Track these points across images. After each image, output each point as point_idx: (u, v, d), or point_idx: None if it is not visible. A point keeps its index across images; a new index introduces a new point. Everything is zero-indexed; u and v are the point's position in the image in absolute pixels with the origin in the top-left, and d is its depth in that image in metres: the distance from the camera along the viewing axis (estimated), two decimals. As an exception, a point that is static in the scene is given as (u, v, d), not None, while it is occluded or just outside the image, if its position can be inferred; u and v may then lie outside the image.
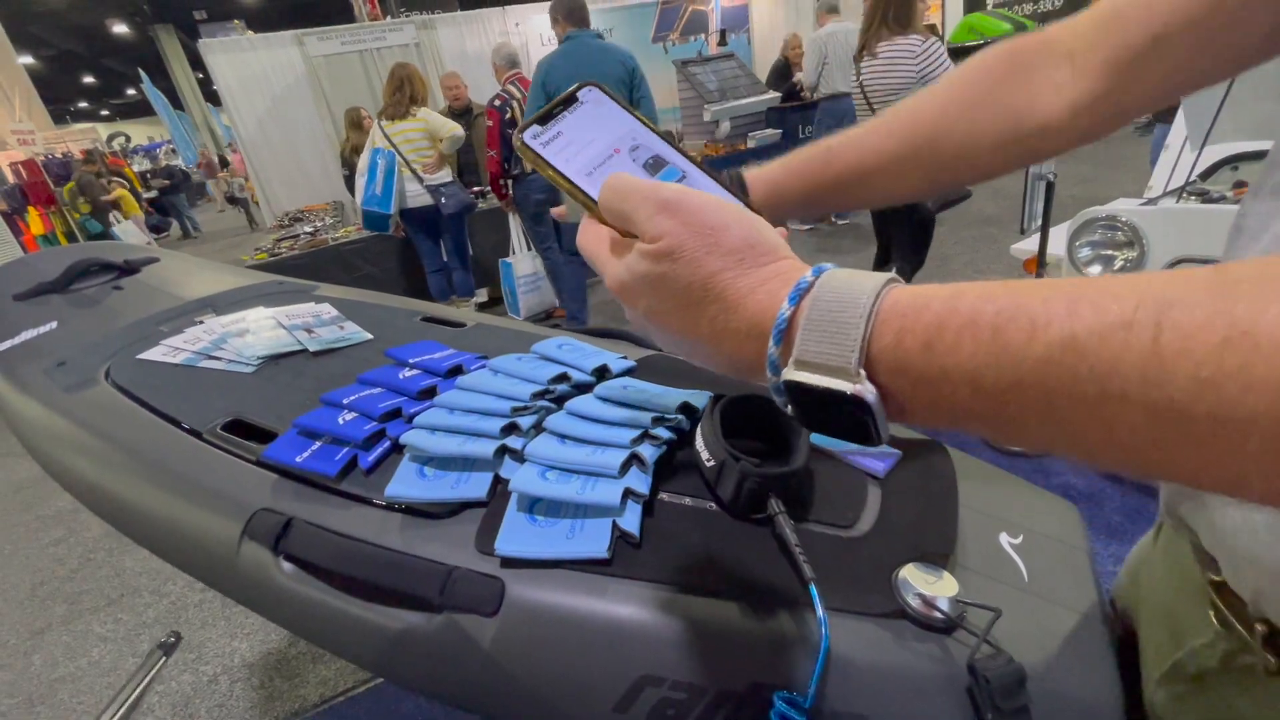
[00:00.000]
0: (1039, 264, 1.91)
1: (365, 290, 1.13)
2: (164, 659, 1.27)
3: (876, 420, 0.25)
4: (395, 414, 0.66)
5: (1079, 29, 0.45)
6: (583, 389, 0.68)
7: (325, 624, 0.55)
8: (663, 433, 0.59)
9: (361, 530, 0.55)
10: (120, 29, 17.35)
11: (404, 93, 3.45)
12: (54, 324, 0.98)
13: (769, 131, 5.40)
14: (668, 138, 0.38)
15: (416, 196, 3.60)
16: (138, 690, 1.17)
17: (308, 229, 4.71)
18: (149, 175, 11.98)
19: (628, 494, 0.53)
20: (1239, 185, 1.85)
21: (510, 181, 3.48)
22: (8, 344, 0.93)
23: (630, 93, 2.95)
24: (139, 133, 24.13)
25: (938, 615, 0.44)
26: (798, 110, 5.44)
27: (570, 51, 2.94)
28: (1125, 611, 0.50)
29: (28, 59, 17.61)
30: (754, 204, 0.35)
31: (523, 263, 3.84)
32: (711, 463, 0.53)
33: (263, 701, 1.64)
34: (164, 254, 1.26)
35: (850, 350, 0.24)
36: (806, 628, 0.45)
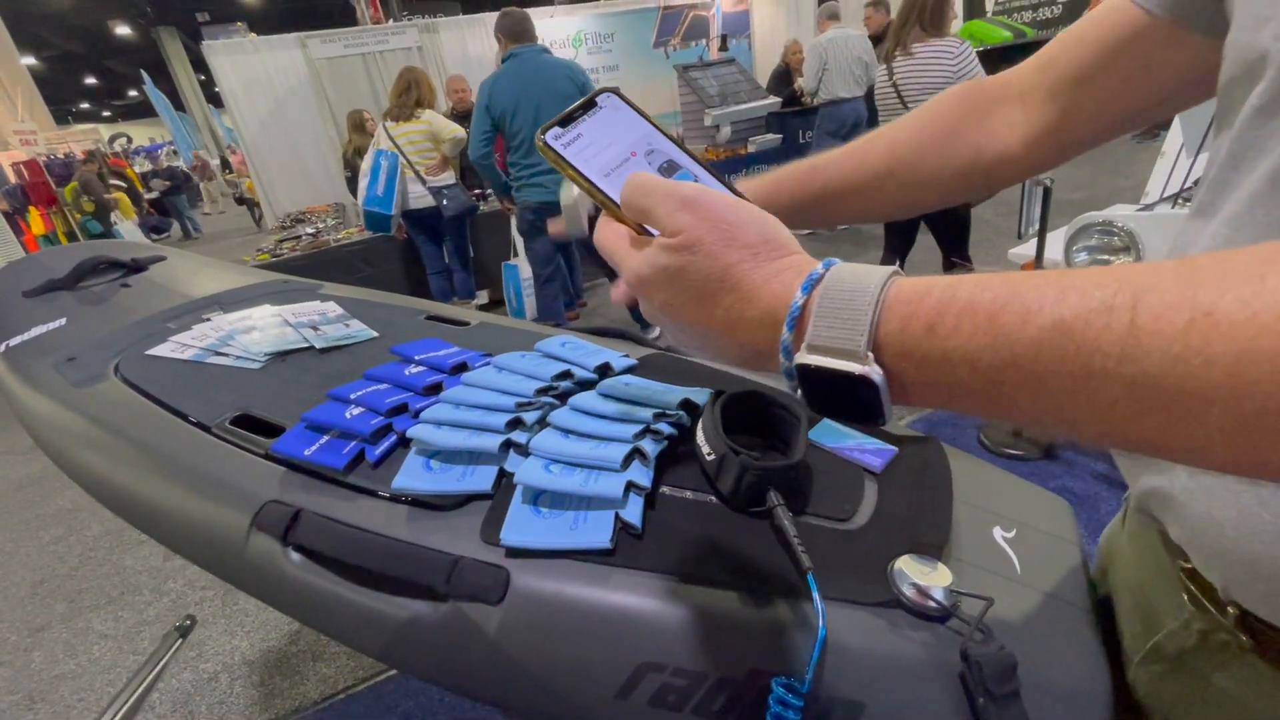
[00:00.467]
0: (1036, 268, 1.93)
1: (370, 289, 1.14)
2: (180, 640, 1.29)
3: (882, 399, 0.27)
4: (402, 409, 0.67)
5: (1025, 72, 0.51)
6: (585, 386, 0.69)
7: (333, 613, 0.56)
8: (664, 428, 0.60)
9: (369, 521, 0.56)
10: (123, 30, 17.41)
11: (410, 95, 3.48)
12: (63, 320, 0.99)
13: (769, 136, 5.43)
14: (680, 143, 0.40)
15: (419, 198, 3.62)
16: (154, 672, 1.19)
17: (309, 230, 4.72)
18: (150, 176, 12.00)
19: (630, 487, 0.54)
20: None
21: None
22: (18, 339, 0.94)
23: None
24: (140, 134, 24.17)
25: (932, 605, 0.46)
26: (798, 115, 5.47)
27: (514, 70, 2.83)
28: (1104, 596, 0.52)
29: (30, 60, 17.65)
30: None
31: (526, 265, 3.85)
32: (712, 457, 0.55)
33: (263, 699, 1.64)
34: (171, 252, 1.27)
35: (860, 334, 0.26)
36: (804, 616, 0.46)
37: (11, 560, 2.45)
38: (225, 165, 13.21)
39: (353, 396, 0.68)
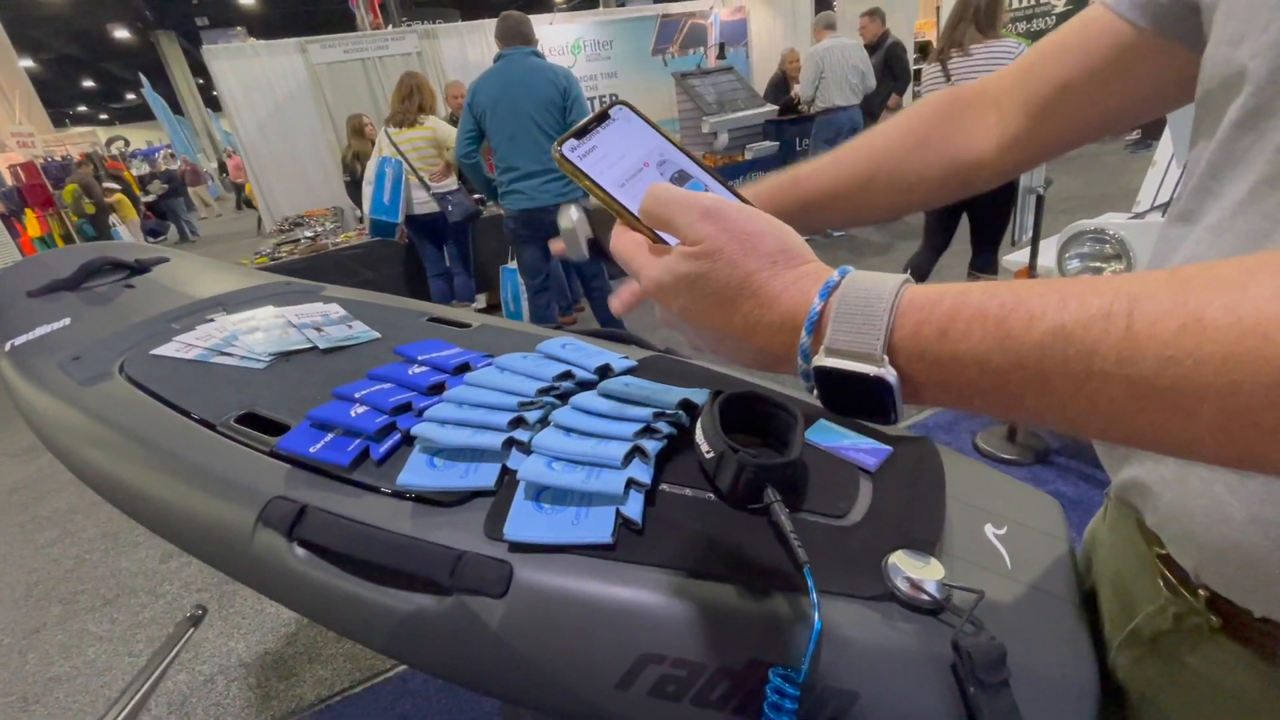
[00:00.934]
0: (1030, 275, 1.95)
1: (371, 292, 1.15)
2: (192, 630, 1.30)
3: (896, 399, 0.29)
4: (406, 408, 0.68)
5: (1003, 80, 0.53)
6: (586, 386, 0.70)
7: (337, 607, 0.57)
8: (664, 427, 0.61)
9: (373, 517, 0.57)
10: (121, 34, 17.43)
11: (413, 101, 3.50)
12: (67, 320, 1.00)
13: (766, 144, 5.47)
14: (690, 154, 0.41)
15: (423, 204, 3.65)
16: (166, 661, 1.19)
17: (308, 234, 4.73)
18: (148, 179, 11.99)
19: (630, 484, 0.55)
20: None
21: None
22: (23, 339, 0.95)
23: (564, 114, 2.82)
24: (138, 137, 24.15)
25: (924, 597, 0.47)
26: (794, 123, 5.51)
27: (499, 70, 2.82)
28: (1089, 588, 0.53)
29: (28, 62, 17.64)
30: None
31: (526, 270, 3.87)
32: (710, 454, 0.56)
33: (259, 701, 1.64)
34: (174, 254, 1.28)
35: (876, 338, 0.28)
36: (800, 609, 0.47)
37: (5, 563, 2.44)
38: (223, 169, 13.20)
39: (357, 395, 0.69)
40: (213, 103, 17.37)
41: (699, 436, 0.58)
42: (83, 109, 29.97)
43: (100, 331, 0.96)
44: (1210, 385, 0.21)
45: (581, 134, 0.39)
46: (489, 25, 6.76)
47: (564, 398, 0.67)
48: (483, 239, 4.18)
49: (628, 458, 0.57)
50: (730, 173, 5.25)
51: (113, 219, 8.04)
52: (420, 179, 3.58)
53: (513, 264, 3.89)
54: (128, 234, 7.74)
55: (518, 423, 0.63)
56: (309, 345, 0.89)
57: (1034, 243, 1.95)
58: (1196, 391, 0.21)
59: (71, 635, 1.99)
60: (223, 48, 5.97)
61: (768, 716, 0.44)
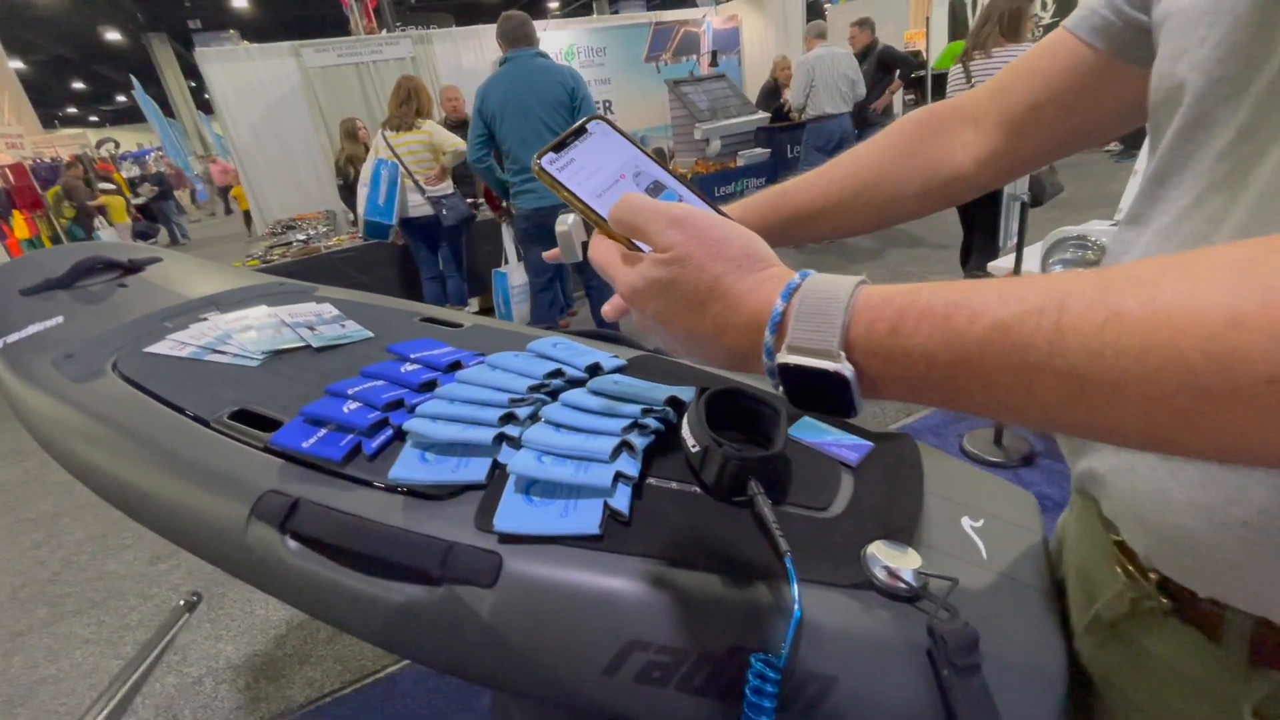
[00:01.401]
0: (1015, 281, 1.98)
1: (365, 293, 1.16)
2: (187, 615, 1.30)
3: (854, 393, 0.30)
4: (398, 404, 0.69)
5: (980, 97, 0.55)
6: (577, 384, 0.72)
7: (329, 598, 0.58)
8: (651, 423, 0.63)
9: (365, 510, 0.58)
10: (113, 36, 17.35)
11: (410, 105, 3.51)
12: (60, 318, 1.00)
13: (758, 150, 5.51)
14: (664, 165, 0.43)
15: (418, 207, 3.66)
16: (163, 644, 1.19)
17: (300, 237, 4.72)
18: (137, 181, 11.92)
19: (618, 477, 0.57)
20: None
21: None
22: (15, 337, 0.95)
23: (573, 115, 2.86)
24: (128, 139, 24.03)
25: (902, 586, 0.49)
26: (786, 130, 5.56)
27: (507, 74, 2.85)
28: (1059, 578, 0.55)
29: (18, 63, 17.52)
30: None
31: (516, 273, 3.89)
32: (696, 449, 0.57)
33: (248, 703, 1.64)
34: (167, 254, 1.29)
35: (833, 336, 0.30)
36: (782, 597, 0.49)
37: (-9, 565, 2.42)
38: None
39: (350, 392, 0.70)
40: (205, 105, 17.31)
41: (685, 432, 0.60)
42: (73, 111, 29.77)
43: (93, 329, 0.97)
44: (1130, 374, 0.22)
45: (560, 147, 0.41)
46: (484, 30, 6.79)
47: (554, 395, 0.68)
48: (476, 243, 4.19)
49: (616, 452, 0.58)
50: (722, 179, 5.29)
51: (98, 222, 7.98)
52: (415, 182, 3.60)
53: (504, 268, 3.91)
54: (113, 237, 7.68)
55: (508, 418, 0.64)
56: (302, 344, 0.90)
57: (1019, 248, 1.98)
58: (1118, 380, 0.23)
59: (58, 638, 1.97)
60: (216, 51, 5.96)
61: (749, 701, 0.45)
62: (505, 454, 0.62)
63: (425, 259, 3.90)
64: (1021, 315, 0.25)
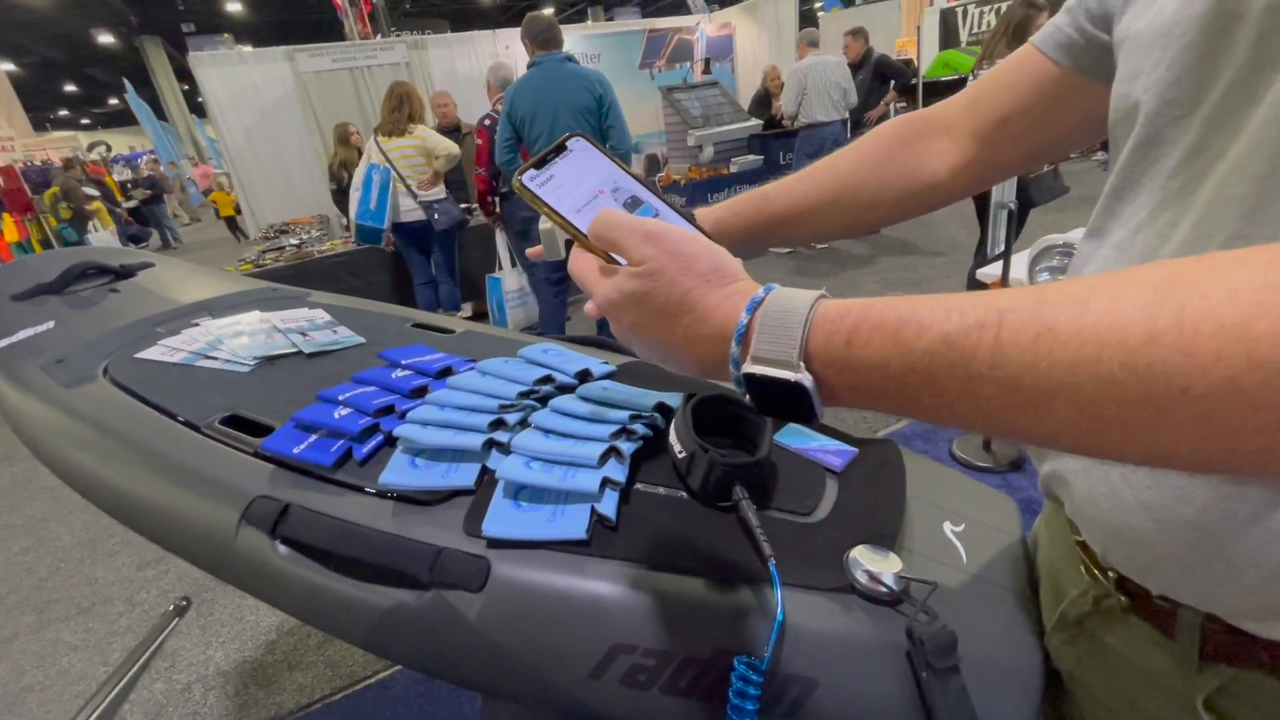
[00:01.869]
0: (1003, 286, 2.00)
1: (357, 298, 1.17)
2: (177, 620, 1.30)
3: (814, 401, 0.32)
4: (388, 410, 0.70)
5: (954, 107, 0.57)
6: (566, 390, 0.73)
7: (319, 603, 0.58)
8: (639, 428, 0.64)
9: (355, 516, 0.59)
10: (105, 39, 17.28)
11: (403, 111, 3.52)
12: (51, 324, 1.00)
13: (751, 157, 5.55)
14: (642, 180, 0.44)
15: (410, 211, 3.66)
16: (151, 649, 1.19)
17: (293, 241, 4.72)
18: (129, 185, 11.85)
19: (606, 482, 0.57)
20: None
21: (498, 199, 3.55)
22: (5, 342, 0.95)
23: (600, 120, 2.88)
24: (120, 142, 23.89)
25: (883, 589, 0.49)
26: (778, 137, 5.59)
27: (535, 78, 2.86)
28: (1036, 578, 0.57)
29: (9, 65, 17.44)
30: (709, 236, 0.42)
31: (510, 279, 3.90)
32: (683, 454, 0.58)
33: (237, 710, 1.63)
34: (159, 259, 1.29)
35: (793, 347, 0.31)
36: (765, 601, 0.50)
37: (-23, 571, 2.40)
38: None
39: (341, 398, 0.71)
40: (198, 109, 17.25)
41: (672, 437, 0.60)
42: (64, 113, 29.61)
43: (84, 335, 0.97)
44: (1061, 385, 0.24)
45: (540, 164, 0.42)
46: (478, 36, 6.82)
47: (544, 401, 0.69)
48: (469, 248, 4.20)
49: (604, 458, 0.59)
50: (715, 185, 5.32)
51: (93, 225, 7.94)
52: (408, 187, 3.60)
53: (499, 273, 3.91)
54: (106, 239, 7.64)
55: (498, 424, 0.65)
56: (294, 349, 0.90)
57: (1005, 256, 2.01)
58: (1050, 390, 0.24)
59: (45, 645, 1.96)
60: (209, 55, 5.96)
61: (732, 703, 0.46)
62: (494, 459, 0.62)
63: (418, 264, 3.90)
64: (965, 329, 0.27)
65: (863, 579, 0.50)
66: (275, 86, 6.00)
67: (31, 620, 2.08)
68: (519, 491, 0.58)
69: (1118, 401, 0.23)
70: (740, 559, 0.52)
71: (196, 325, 0.98)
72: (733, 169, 5.45)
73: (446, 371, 0.78)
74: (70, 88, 23.98)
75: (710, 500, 0.57)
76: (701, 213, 0.61)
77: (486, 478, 0.61)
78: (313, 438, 0.67)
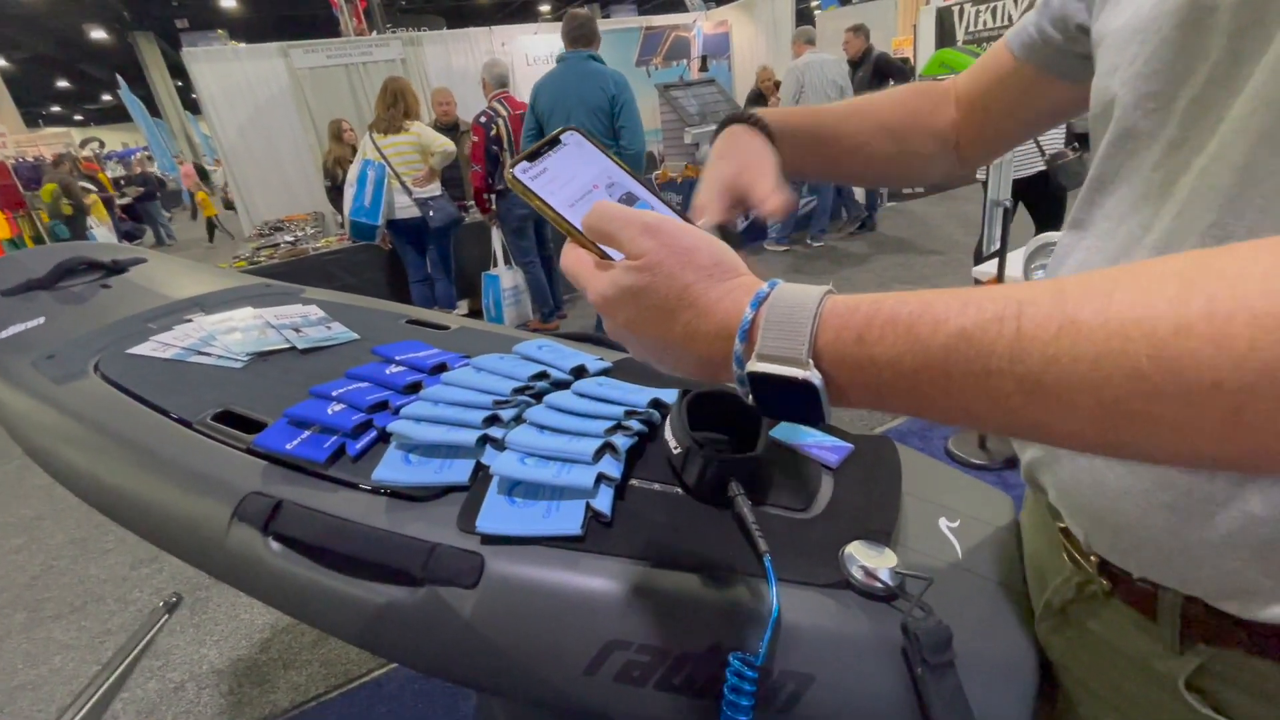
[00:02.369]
0: (999, 283, 2.01)
1: (352, 294, 1.16)
2: (166, 617, 1.29)
3: (822, 400, 0.31)
4: (382, 406, 0.70)
5: (959, 81, 0.61)
6: (561, 386, 0.72)
7: (312, 600, 0.58)
8: (634, 424, 0.63)
9: (349, 512, 0.59)
10: (98, 34, 17.17)
11: (398, 107, 3.51)
12: (42, 319, 0.99)
13: (748, 155, 5.52)
14: (637, 176, 0.44)
15: (405, 208, 3.65)
16: (141, 645, 1.18)
17: (288, 238, 4.69)
18: (123, 181, 11.78)
19: (601, 478, 0.57)
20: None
21: (494, 196, 3.54)
22: (-5, 337, 0.94)
23: (611, 120, 2.91)
24: (113, 138, 23.75)
25: (878, 585, 0.49)
26: (776, 135, 5.58)
27: (558, 74, 2.94)
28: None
29: (1, 61, 17.31)
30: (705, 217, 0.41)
31: (507, 276, 3.89)
32: (678, 450, 0.58)
33: (231, 708, 1.62)
34: (151, 255, 1.28)
35: (802, 344, 0.30)
36: (760, 597, 0.49)
37: (-31, 570, 2.38)
38: (202, 174, 12.93)
39: (334, 394, 0.70)
40: (191, 105, 17.15)
41: (667, 433, 0.60)
42: (56, 109, 29.41)
43: (76, 331, 0.96)
44: (1085, 379, 0.23)
45: (533, 157, 0.41)
46: (474, 33, 6.79)
47: (539, 397, 0.69)
48: (465, 245, 4.18)
49: (599, 453, 0.59)
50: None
51: (90, 220, 7.88)
52: (403, 183, 3.58)
53: (495, 270, 3.90)
54: (105, 235, 7.59)
55: (492, 420, 0.65)
56: (287, 345, 0.90)
57: (1001, 254, 2.01)
58: (1074, 385, 0.24)
59: (37, 643, 1.94)
60: (203, 50, 5.92)
61: (727, 699, 0.46)
62: (489, 455, 0.62)
63: (413, 261, 3.89)
64: (983, 323, 0.26)
65: (858, 575, 0.50)
66: (270, 83, 5.96)
67: (23, 619, 2.07)
68: (513, 487, 0.58)
69: (1144, 396, 0.22)
70: (735, 555, 0.52)
71: (189, 321, 0.97)
72: (729, 167, 5.43)
73: (441, 367, 0.78)
74: (63, 84, 23.84)
75: (706, 496, 0.57)
76: (762, 112, 0.57)
77: (481, 474, 0.61)
78: (306, 434, 0.67)
